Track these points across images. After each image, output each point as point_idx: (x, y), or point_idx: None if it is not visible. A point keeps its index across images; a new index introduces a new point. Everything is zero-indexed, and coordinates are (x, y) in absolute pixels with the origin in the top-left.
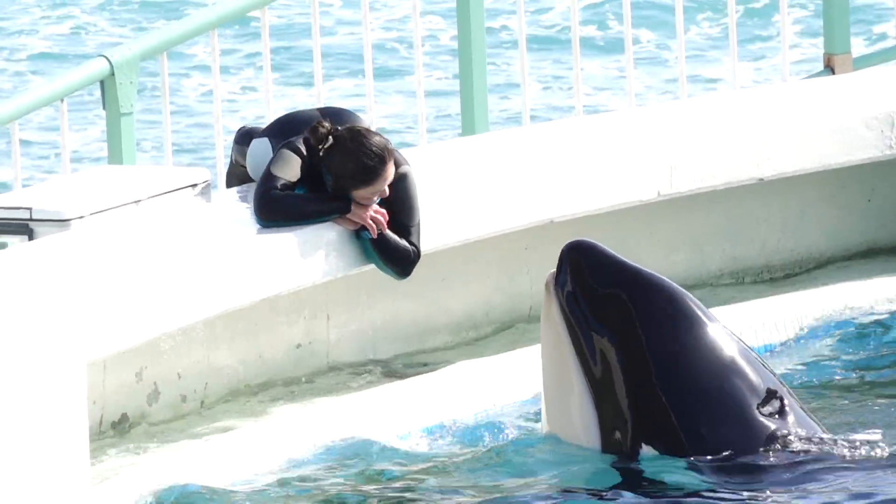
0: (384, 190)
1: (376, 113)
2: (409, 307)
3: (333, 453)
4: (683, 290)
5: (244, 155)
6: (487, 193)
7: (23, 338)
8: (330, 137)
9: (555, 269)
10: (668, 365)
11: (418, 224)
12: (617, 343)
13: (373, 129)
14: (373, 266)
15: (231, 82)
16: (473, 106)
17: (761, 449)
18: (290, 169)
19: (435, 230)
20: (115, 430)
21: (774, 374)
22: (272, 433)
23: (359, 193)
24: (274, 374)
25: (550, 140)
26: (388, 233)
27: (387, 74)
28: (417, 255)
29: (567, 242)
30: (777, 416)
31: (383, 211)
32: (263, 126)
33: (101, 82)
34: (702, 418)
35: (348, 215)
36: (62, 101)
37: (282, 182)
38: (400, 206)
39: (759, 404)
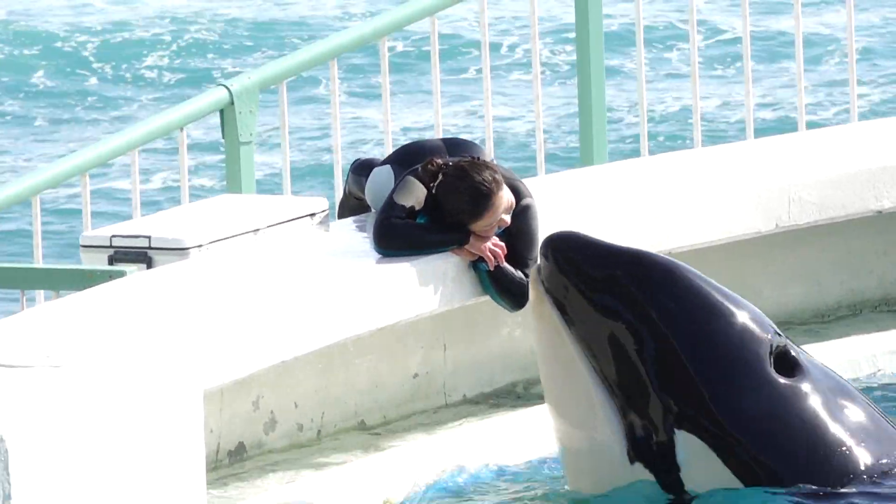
0: (504, 219)
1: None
2: (526, 338)
3: (452, 485)
4: (675, 261)
5: (360, 185)
6: (604, 224)
7: (141, 366)
8: (440, 174)
9: (539, 264)
10: (688, 337)
11: (536, 257)
12: (628, 327)
13: (490, 160)
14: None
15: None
16: (592, 137)
17: (782, 408)
18: (413, 197)
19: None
20: (232, 458)
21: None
22: (389, 463)
23: (475, 226)
24: (390, 403)
25: (669, 171)
26: (505, 265)
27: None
28: None
29: (548, 236)
30: (792, 372)
31: (502, 244)
32: (380, 158)
33: (221, 111)
34: (724, 382)
35: (466, 246)
36: (181, 129)
37: (403, 210)
38: (520, 237)
39: (772, 363)
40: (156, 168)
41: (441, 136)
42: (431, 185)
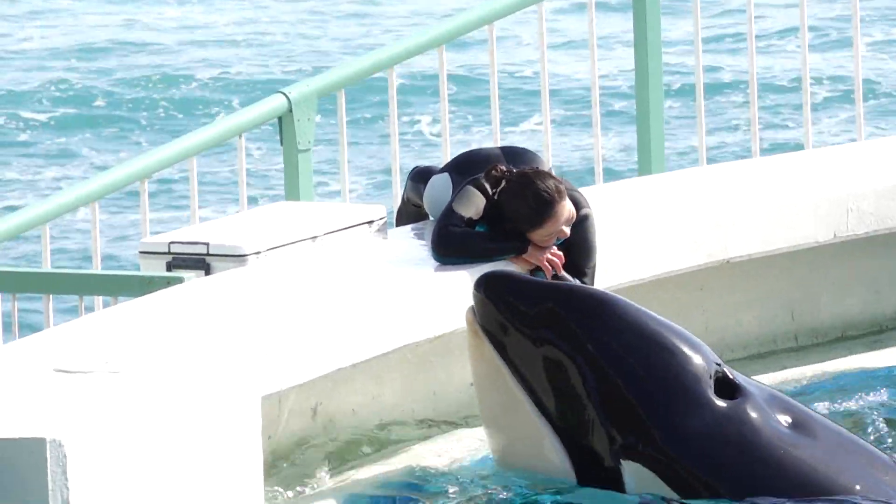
0: (563, 231)
1: (557, 149)
2: None
3: (509, 490)
4: (610, 293)
5: (418, 193)
6: (662, 233)
7: (199, 372)
8: (503, 181)
9: (473, 306)
10: (628, 367)
11: (594, 267)
12: (568, 361)
13: (549, 169)
14: None
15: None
16: (650, 145)
17: (726, 431)
18: (472, 206)
19: (608, 270)
20: (290, 465)
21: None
22: (448, 469)
23: (534, 236)
24: (447, 411)
25: (727, 180)
26: (564, 274)
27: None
28: None
29: (479, 277)
30: (732, 394)
31: (559, 253)
32: (438, 165)
33: (279, 118)
34: (665, 408)
35: (525, 255)
36: (240, 136)
37: (462, 219)
38: (578, 248)
39: (712, 386)
40: (214, 174)
41: (499, 145)
42: (494, 191)
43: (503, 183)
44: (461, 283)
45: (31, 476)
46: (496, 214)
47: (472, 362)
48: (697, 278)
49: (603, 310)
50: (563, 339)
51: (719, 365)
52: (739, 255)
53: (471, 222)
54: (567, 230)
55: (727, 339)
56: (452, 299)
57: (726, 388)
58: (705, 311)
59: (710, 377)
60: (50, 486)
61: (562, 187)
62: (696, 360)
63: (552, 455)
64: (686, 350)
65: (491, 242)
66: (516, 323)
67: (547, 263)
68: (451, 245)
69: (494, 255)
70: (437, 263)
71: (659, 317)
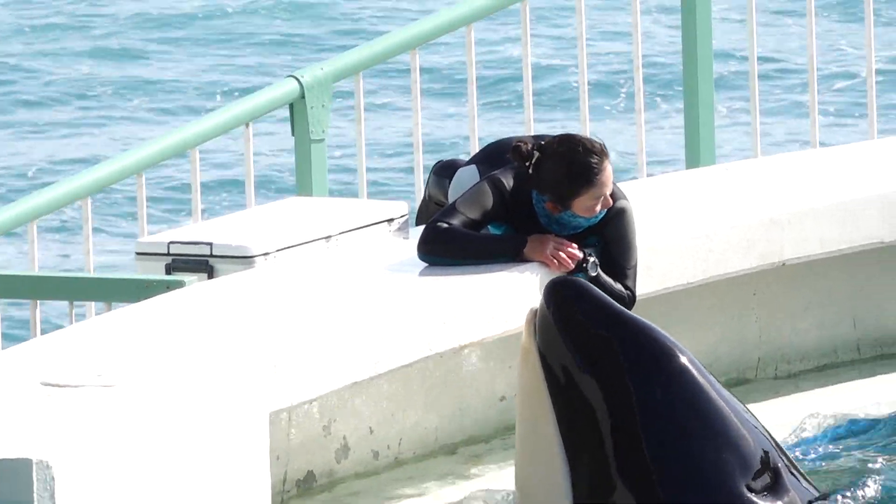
0: (608, 199)
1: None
2: None
3: None
4: (681, 347)
5: (442, 189)
6: (712, 231)
7: (200, 386)
8: (535, 152)
9: (537, 307)
10: (656, 429)
11: (635, 266)
12: (608, 408)
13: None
14: None
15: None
16: (699, 136)
17: None
18: (479, 207)
19: (651, 271)
20: (300, 488)
21: (773, 441)
22: (473, 495)
23: (580, 202)
24: (475, 429)
25: (784, 173)
26: (603, 275)
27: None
28: (633, 300)
29: (550, 280)
30: (768, 492)
31: (573, 245)
32: (464, 158)
33: (291, 105)
34: (686, 486)
35: (526, 252)
36: (247, 125)
37: (464, 219)
38: (616, 245)
39: (751, 478)
40: (219, 167)
41: (533, 133)
42: (528, 164)
43: (536, 154)
44: (490, 288)
45: (16, 501)
46: (523, 214)
47: (520, 365)
48: (751, 282)
49: (664, 364)
50: (611, 384)
51: (768, 457)
52: (797, 256)
53: (477, 224)
54: (610, 199)
55: (783, 349)
56: (480, 306)
57: (769, 483)
58: (759, 319)
59: (755, 468)
60: None
61: (605, 148)
62: (743, 445)
63: (560, 493)
64: (735, 433)
65: (482, 242)
66: (570, 349)
67: (553, 259)
68: (434, 242)
69: (484, 258)
70: (423, 263)
71: (726, 392)
